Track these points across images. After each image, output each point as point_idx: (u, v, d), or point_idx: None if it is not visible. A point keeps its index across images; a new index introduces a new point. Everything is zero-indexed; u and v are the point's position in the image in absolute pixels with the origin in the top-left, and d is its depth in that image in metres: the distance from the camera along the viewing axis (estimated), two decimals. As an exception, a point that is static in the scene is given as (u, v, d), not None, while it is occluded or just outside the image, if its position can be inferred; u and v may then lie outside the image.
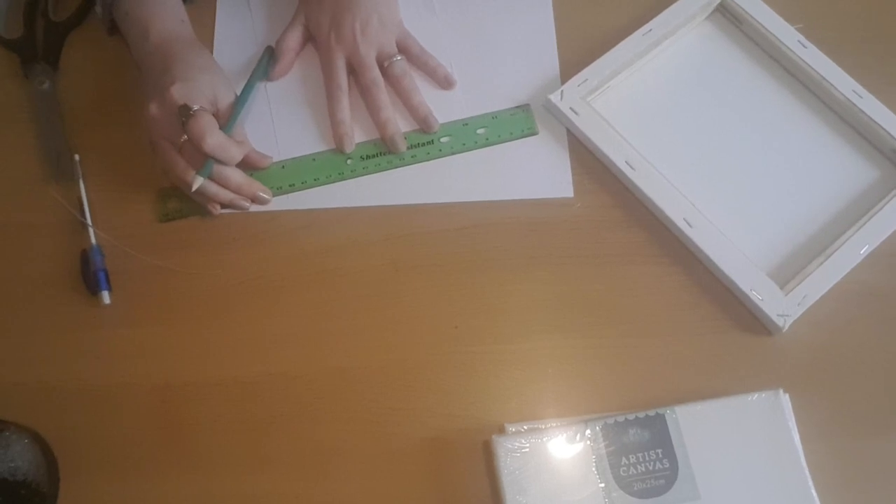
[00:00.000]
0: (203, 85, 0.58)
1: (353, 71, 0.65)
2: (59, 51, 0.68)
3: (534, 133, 0.64)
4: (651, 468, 0.52)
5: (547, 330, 0.58)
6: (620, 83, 0.66)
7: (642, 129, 0.63)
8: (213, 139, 0.56)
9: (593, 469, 0.52)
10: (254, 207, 0.61)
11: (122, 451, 0.55)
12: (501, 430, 0.54)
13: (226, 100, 0.59)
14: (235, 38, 0.68)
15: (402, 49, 0.66)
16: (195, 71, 0.59)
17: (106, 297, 0.58)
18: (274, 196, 0.62)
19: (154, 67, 0.60)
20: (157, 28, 0.61)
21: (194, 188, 0.57)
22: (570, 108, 0.63)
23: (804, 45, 0.65)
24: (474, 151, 0.64)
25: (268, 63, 0.65)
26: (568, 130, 0.64)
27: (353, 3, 0.64)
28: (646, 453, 0.52)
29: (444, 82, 0.66)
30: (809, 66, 0.64)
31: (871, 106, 0.62)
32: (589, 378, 0.56)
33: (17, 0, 0.69)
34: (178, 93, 0.57)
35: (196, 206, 0.61)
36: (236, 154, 0.58)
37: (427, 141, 0.64)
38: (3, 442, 0.52)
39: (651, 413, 0.53)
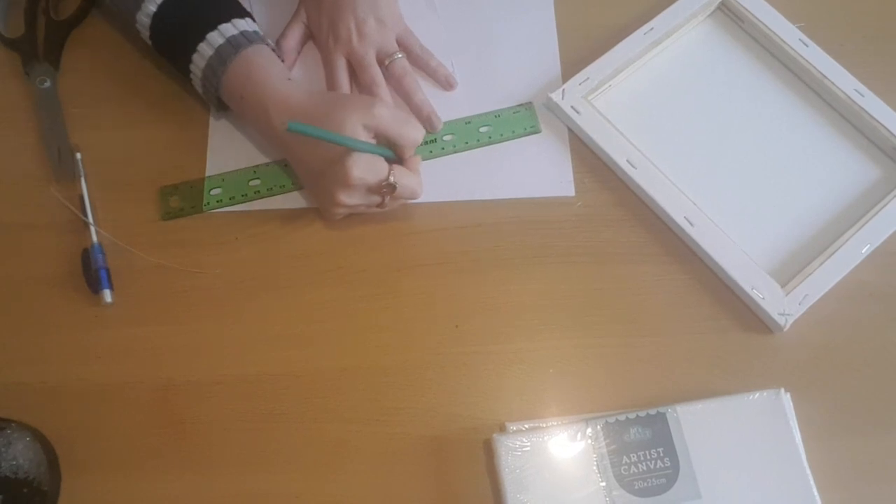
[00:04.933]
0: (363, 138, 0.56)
1: (353, 71, 0.65)
2: (61, 50, 0.68)
3: (537, 131, 0.64)
4: (652, 467, 0.52)
5: (548, 329, 0.58)
6: (622, 82, 0.66)
7: (644, 128, 0.63)
8: (416, 181, 0.58)
9: (594, 468, 0.52)
10: (255, 205, 0.62)
11: (124, 449, 0.55)
12: (502, 429, 0.54)
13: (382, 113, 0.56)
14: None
15: (403, 48, 0.66)
16: (341, 127, 0.55)
17: (107, 295, 0.58)
18: (275, 195, 0.62)
19: (293, 145, 0.58)
20: (276, 105, 0.57)
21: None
22: (572, 107, 0.63)
23: (806, 44, 0.65)
24: (475, 150, 0.64)
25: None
26: (569, 129, 0.64)
27: (351, 3, 0.64)
28: (647, 452, 0.52)
29: (445, 83, 0.66)
30: (811, 64, 0.64)
31: (872, 105, 0.62)
32: (590, 377, 0.56)
33: (19, -1, 0.69)
34: (358, 171, 0.54)
35: (197, 204, 0.61)
36: (419, 189, 0.59)
37: (430, 139, 0.64)
38: (5, 440, 0.52)
39: (652, 412, 0.53)
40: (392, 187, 0.56)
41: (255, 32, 0.60)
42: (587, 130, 0.62)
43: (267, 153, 0.64)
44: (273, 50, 0.61)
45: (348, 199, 0.56)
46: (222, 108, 0.62)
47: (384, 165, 0.56)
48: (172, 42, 0.60)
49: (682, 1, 0.67)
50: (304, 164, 0.59)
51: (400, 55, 0.65)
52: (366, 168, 0.55)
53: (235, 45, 0.58)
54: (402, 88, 0.64)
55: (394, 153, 0.58)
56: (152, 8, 0.59)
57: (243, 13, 0.61)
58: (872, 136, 0.63)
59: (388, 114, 0.56)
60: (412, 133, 0.57)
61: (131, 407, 0.56)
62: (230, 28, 0.58)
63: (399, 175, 0.56)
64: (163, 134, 0.64)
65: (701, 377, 0.56)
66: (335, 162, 0.55)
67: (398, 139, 0.57)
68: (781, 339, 0.57)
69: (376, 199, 0.57)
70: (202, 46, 0.58)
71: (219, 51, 0.58)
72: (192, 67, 0.59)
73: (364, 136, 0.55)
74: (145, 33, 0.61)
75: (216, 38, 0.58)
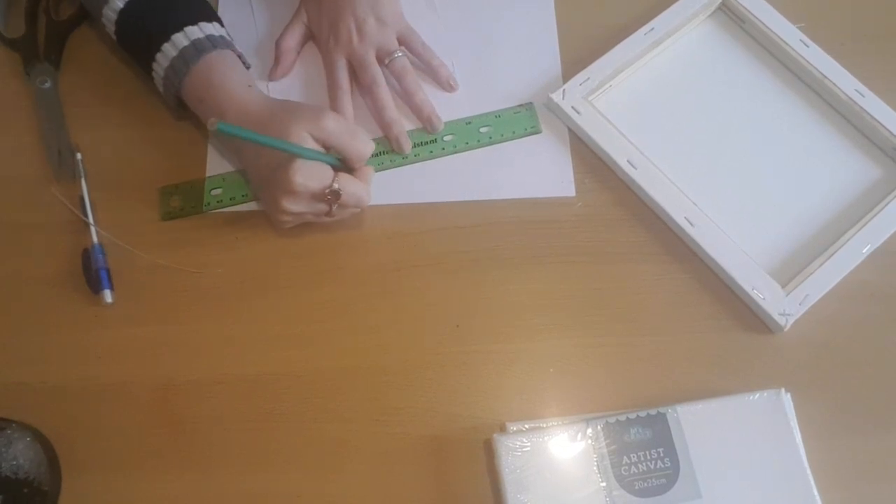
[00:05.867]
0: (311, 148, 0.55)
1: (354, 71, 0.65)
2: (61, 50, 0.68)
3: (537, 131, 0.64)
4: (652, 467, 0.52)
5: (548, 329, 0.58)
6: (622, 82, 0.66)
7: (644, 128, 0.63)
8: (364, 189, 0.57)
9: (594, 468, 0.52)
10: (255, 205, 0.62)
11: (125, 449, 0.55)
12: (503, 429, 0.54)
13: (330, 126, 0.56)
14: (236, 35, 0.67)
15: (405, 45, 0.66)
16: (288, 137, 0.54)
17: (108, 295, 0.58)
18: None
19: (244, 152, 0.59)
20: (234, 111, 0.57)
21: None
22: (572, 107, 0.63)
23: (806, 45, 0.65)
24: (476, 151, 0.64)
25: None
26: (569, 129, 0.64)
27: (350, 3, 0.64)
28: (647, 452, 0.52)
29: (447, 85, 0.66)
30: (811, 65, 0.64)
31: (873, 105, 0.62)
32: (590, 377, 0.56)
33: (19, -1, 0.69)
34: (300, 177, 0.53)
35: (198, 204, 0.61)
36: (366, 197, 0.58)
37: (430, 139, 0.64)
38: (6, 440, 0.52)
39: (652, 412, 0.53)
40: (336, 194, 0.55)
41: (220, 37, 0.60)
42: (588, 130, 0.62)
43: (267, 153, 0.64)
44: (239, 56, 0.61)
45: (292, 206, 0.56)
46: (182, 108, 0.62)
47: (329, 172, 0.55)
48: (137, 40, 0.60)
49: (682, 1, 0.67)
50: (252, 171, 0.59)
51: (400, 53, 0.65)
52: (309, 174, 0.54)
53: (199, 48, 0.58)
54: (403, 88, 0.64)
55: (340, 162, 0.57)
56: (119, 4, 0.59)
57: (212, 17, 0.61)
58: (873, 137, 0.63)
59: (336, 126, 0.55)
60: (360, 147, 0.57)
61: (131, 407, 0.56)
62: (196, 31, 0.58)
63: (344, 182, 0.55)
64: (163, 134, 0.64)
65: (701, 377, 0.56)
66: (279, 168, 0.54)
67: (345, 152, 0.56)
68: (782, 339, 0.57)
69: (322, 206, 0.56)
70: (166, 47, 0.58)
71: (182, 53, 0.58)
72: (154, 66, 0.59)
73: (312, 147, 0.55)
74: (111, 28, 0.61)
75: (181, 39, 0.58)
